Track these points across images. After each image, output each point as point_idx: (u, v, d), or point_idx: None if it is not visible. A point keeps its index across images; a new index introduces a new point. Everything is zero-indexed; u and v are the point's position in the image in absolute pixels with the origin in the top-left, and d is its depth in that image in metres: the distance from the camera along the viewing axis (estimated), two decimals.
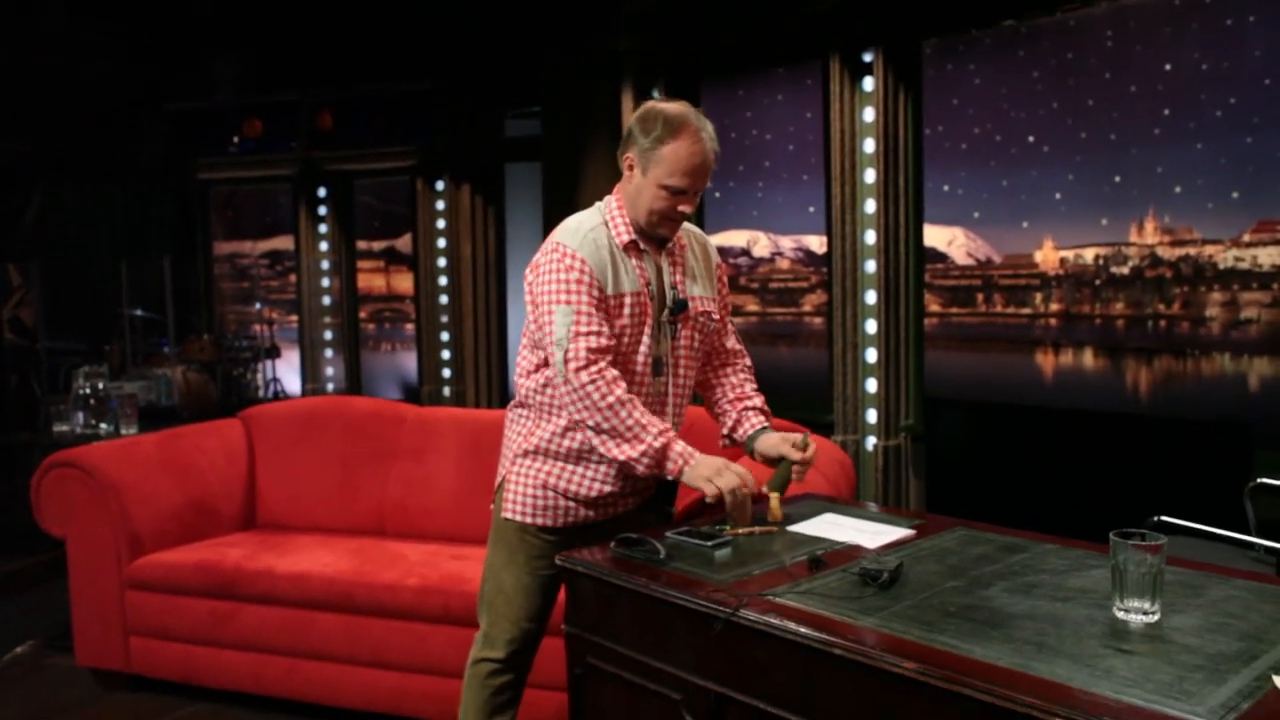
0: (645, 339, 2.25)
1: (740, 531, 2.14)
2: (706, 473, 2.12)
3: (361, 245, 7.78)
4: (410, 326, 7.62)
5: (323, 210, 7.75)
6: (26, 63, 6.34)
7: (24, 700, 3.53)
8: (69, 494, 3.37)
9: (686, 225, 2.34)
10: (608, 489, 2.28)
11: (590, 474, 2.27)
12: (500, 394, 7.21)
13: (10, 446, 4.05)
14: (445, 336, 7.29)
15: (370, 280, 7.83)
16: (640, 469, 2.16)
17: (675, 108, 2.22)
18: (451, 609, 2.94)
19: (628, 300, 2.21)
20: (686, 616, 1.75)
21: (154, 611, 3.35)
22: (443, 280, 7.24)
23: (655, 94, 5.27)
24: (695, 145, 2.16)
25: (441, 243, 7.21)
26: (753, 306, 5.39)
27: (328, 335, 7.91)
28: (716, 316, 2.38)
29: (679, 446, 2.16)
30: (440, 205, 7.18)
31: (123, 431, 4.00)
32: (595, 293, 2.18)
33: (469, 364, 7.21)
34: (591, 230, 2.23)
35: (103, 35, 6.62)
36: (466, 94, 6.83)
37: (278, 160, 7.67)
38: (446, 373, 7.30)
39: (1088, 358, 4.28)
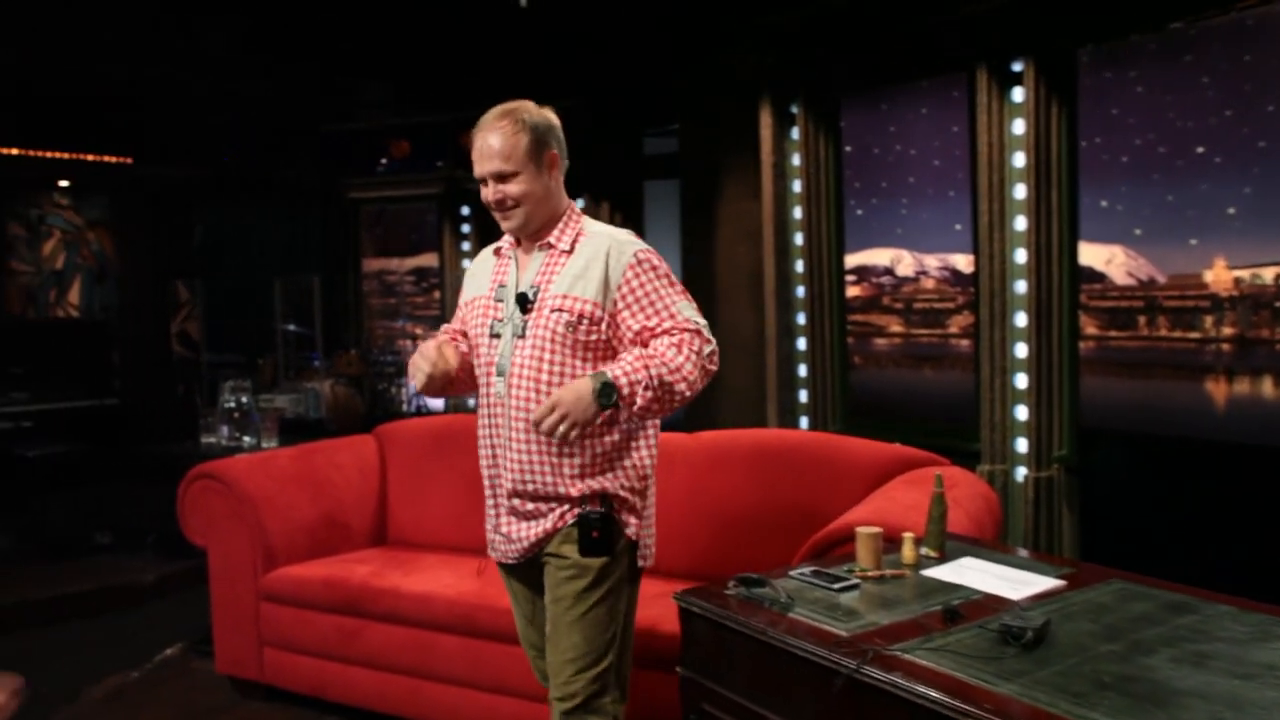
0: (484, 342, 2.35)
1: (870, 574, 2.00)
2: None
3: None
4: None
5: (466, 228, 7.89)
6: (191, 88, 6.67)
7: (168, 702, 3.65)
8: (209, 505, 3.47)
9: (605, 231, 2.34)
10: None
11: None
12: None
13: (172, 456, 4.22)
14: None
15: None
16: None
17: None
18: None
19: (477, 304, 2.39)
20: (806, 669, 1.63)
21: (286, 624, 3.40)
22: None
23: (794, 109, 5.14)
24: (478, 135, 2.29)
25: None
26: (896, 328, 5.18)
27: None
28: (582, 319, 2.25)
29: None
30: None
31: (263, 445, 4.11)
32: (461, 301, 2.47)
33: None
34: (504, 238, 2.42)
35: (260, 61, 6.91)
36: (605, 112, 6.83)
37: (423, 179, 7.86)
38: None
39: (1266, 386, 3.91)
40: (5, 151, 6.91)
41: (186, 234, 8.05)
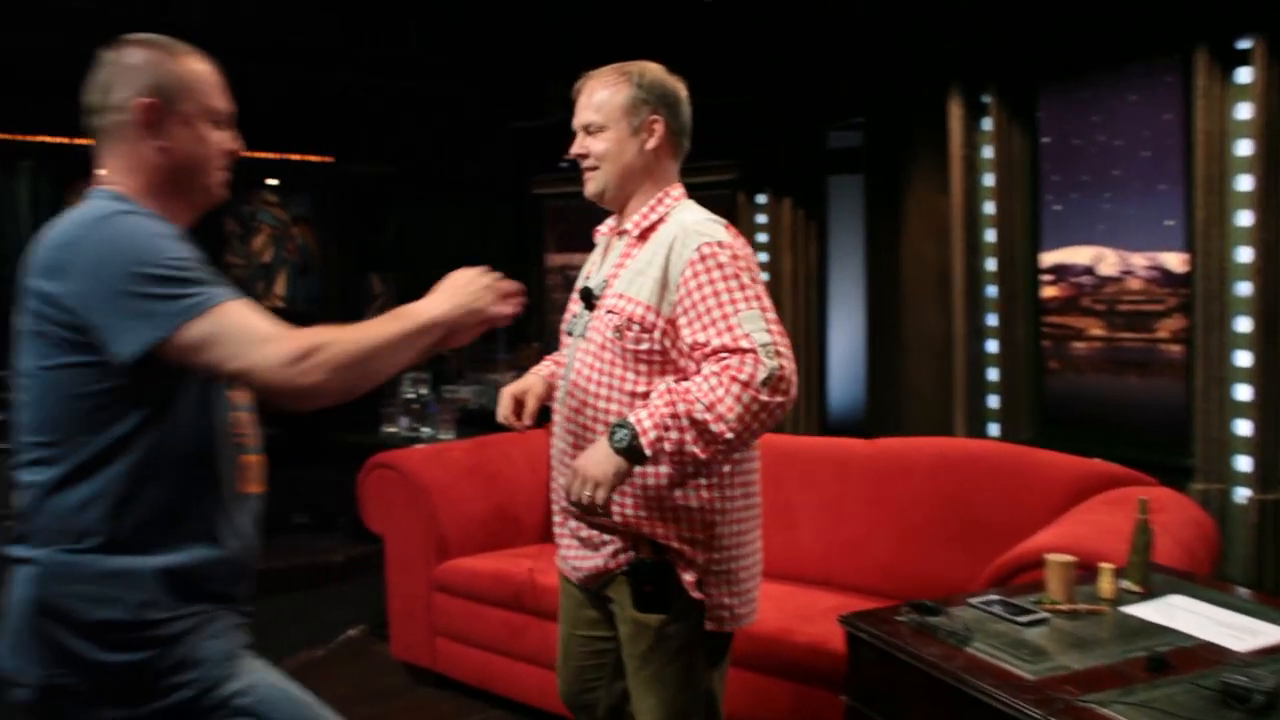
0: (563, 340, 2.13)
1: (1061, 608, 1.81)
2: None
3: None
4: None
5: None
6: (386, 87, 6.92)
7: (347, 681, 3.78)
8: (387, 494, 3.56)
9: (682, 218, 1.98)
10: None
11: None
12: (819, 415, 6.98)
13: (357, 444, 4.37)
14: None
15: None
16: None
17: None
18: (736, 650, 2.75)
19: (571, 298, 2.13)
20: (983, 714, 1.48)
21: (457, 615, 3.46)
22: None
23: (985, 98, 4.85)
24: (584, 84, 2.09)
25: (762, 256, 7.09)
26: (1097, 331, 4.82)
27: None
28: (631, 324, 1.92)
29: None
30: (761, 219, 7.06)
31: (440, 436, 4.20)
32: None
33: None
34: (606, 220, 2.18)
35: (452, 60, 7.09)
36: (788, 106, 6.68)
37: None
38: None
39: None
40: None
41: (381, 229, 8.38)
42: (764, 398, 1.77)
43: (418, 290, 1.79)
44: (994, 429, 4.92)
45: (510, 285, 1.74)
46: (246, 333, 1.49)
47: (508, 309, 1.72)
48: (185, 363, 1.49)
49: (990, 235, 4.92)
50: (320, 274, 8.40)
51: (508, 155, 8.15)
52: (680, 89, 2.08)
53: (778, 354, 1.81)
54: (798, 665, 2.71)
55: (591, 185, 2.04)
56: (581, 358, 2.01)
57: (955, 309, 5.00)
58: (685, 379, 1.88)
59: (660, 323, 1.91)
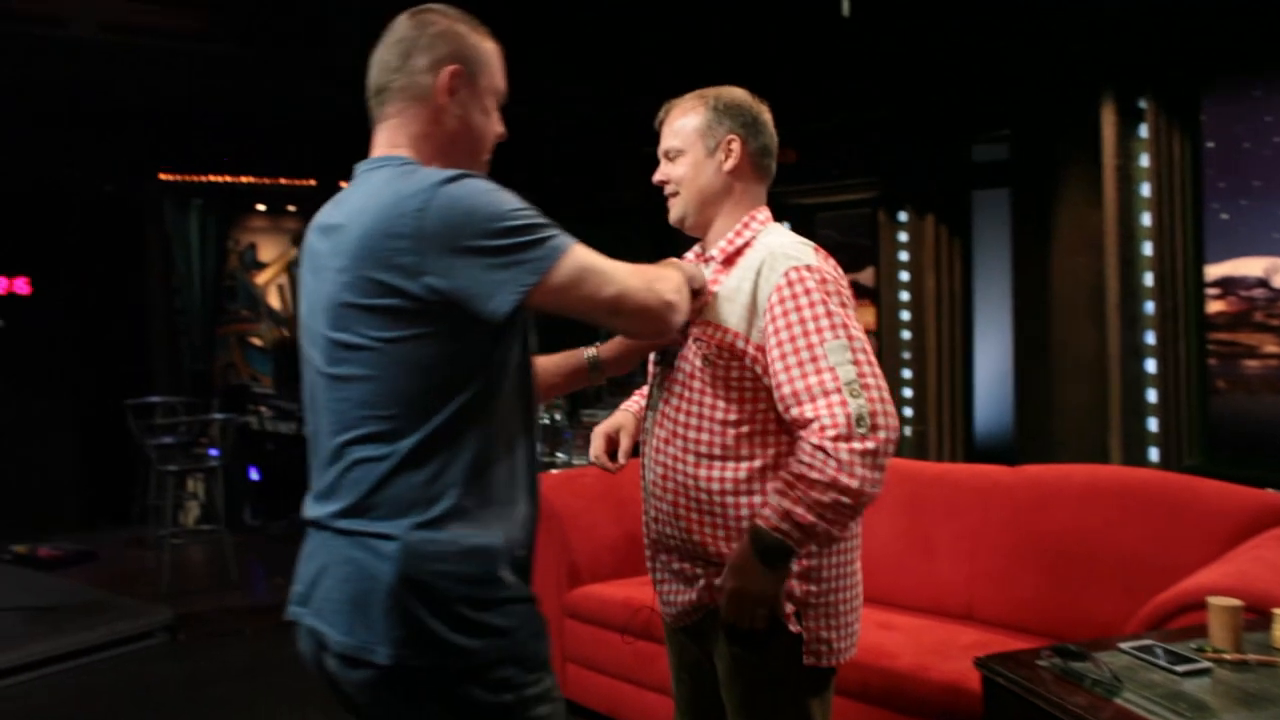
0: (650, 370, 2.06)
1: (1227, 657, 1.65)
2: None
3: None
4: None
5: None
6: (524, 114, 7.05)
7: None
8: None
9: (770, 242, 1.91)
10: None
11: None
12: (965, 438, 6.72)
13: None
14: (907, 374, 6.96)
15: None
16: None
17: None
18: (870, 686, 2.66)
19: None
20: None
21: (586, 642, 3.44)
22: (904, 315, 6.93)
23: (1141, 103, 4.58)
24: None
25: (904, 275, 6.91)
26: (1273, 348, 4.48)
27: None
28: (721, 352, 1.86)
29: None
30: (902, 237, 6.87)
31: (574, 461, 4.21)
32: None
33: (931, 404, 6.81)
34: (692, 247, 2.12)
35: (588, 85, 7.17)
36: (930, 120, 6.49)
37: None
38: (908, 412, 6.96)
39: None
40: None
41: None
42: (867, 444, 1.72)
43: (559, 316, 1.86)
44: (1154, 453, 4.62)
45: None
46: (605, 263, 1.59)
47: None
48: (556, 304, 1.54)
49: (1147, 248, 4.64)
50: None
51: (642, 179, 8.20)
52: (761, 110, 2.02)
53: (864, 388, 1.75)
54: (933, 705, 2.57)
55: (673, 211, 2.01)
56: (669, 386, 1.96)
57: (1110, 327, 4.73)
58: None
59: (750, 349, 1.86)
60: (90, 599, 5.39)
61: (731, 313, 1.87)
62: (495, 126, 1.71)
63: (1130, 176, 4.68)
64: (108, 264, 7.48)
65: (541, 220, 1.54)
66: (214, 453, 6.52)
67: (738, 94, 2.01)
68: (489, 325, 1.49)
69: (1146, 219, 4.64)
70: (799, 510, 1.73)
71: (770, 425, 1.88)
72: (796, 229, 6.49)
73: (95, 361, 7.40)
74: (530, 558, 1.60)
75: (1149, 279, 4.64)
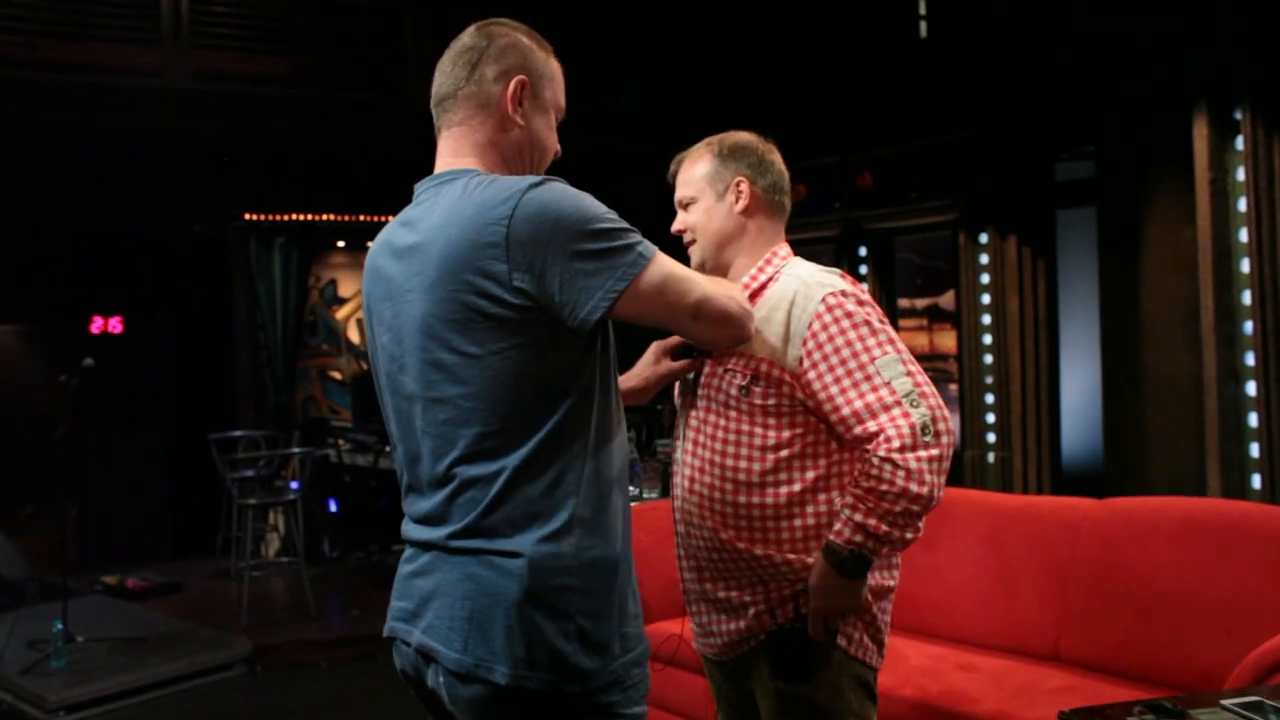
0: (677, 400, 2.09)
1: None
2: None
3: (904, 303, 7.53)
4: (954, 387, 7.19)
5: (863, 269, 7.65)
6: (599, 144, 7.05)
7: None
8: None
9: (800, 273, 1.96)
10: None
11: None
12: (1051, 465, 6.49)
13: None
14: (990, 399, 6.76)
15: (913, 339, 7.52)
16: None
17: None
18: None
19: None
20: None
21: (660, 681, 3.33)
22: (987, 339, 6.73)
23: (1237, 114, 4.38)
24: None
25: (986, 298, 6.72)
26: None
27: None
28: (757, 380, 1.88)
29: None
30: (984, 259, 6.69)
31: (645, 495, 4.14)
32: None
33: (1016, 429, 6.59)
34: None
35: (669, 115, 7.17)
36: (1011, 139, 6.32)
37: (821, 222, 7.72)
38: (991, 438, 6.75)
39: None
40: None
41: None
42: (933, 451, 1.78)
43: (636, 351, 1.99)
44: (1256, 479, 4.38)
45: None
46: (686, 270, 1.66)
47: None
48: (641, 310, 1.56)
49: (1244, 265, 4.42)
50: None
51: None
52: (767, 149, 2.06)
53: (923, 396, 1.81)
54: None
55: (693, 258, 2.06)
56: (702, 416, 1.97)
57: (1205, 348, 4.51)
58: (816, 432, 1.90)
59: (786, 376, 1.88)
60: (173, 630, 5.50)
61: (765, 342, 1.90)
62: (555, 142, 1.73)
63: (1225, 191, 4.47)
64: (196, 302, 7.71)
65: (627, 226, 1.55)
66: (294, 485, 6.62)
67: (742, 137, 2.06)
68: (581, 331, 1.49)
69: (1244, 235, 4.42)
70: (872, 522, 1.77)
71: (809, 449, 1.90)
72: (874, 254, 6.31)
73: (184, 396, 7.60)
74: (633, 568, 1.61)
75: (1247, 298, 4.41)
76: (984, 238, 6.62)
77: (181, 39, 6.13)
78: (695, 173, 2.03)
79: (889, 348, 1.85)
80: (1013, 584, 2.96)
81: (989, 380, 6.72)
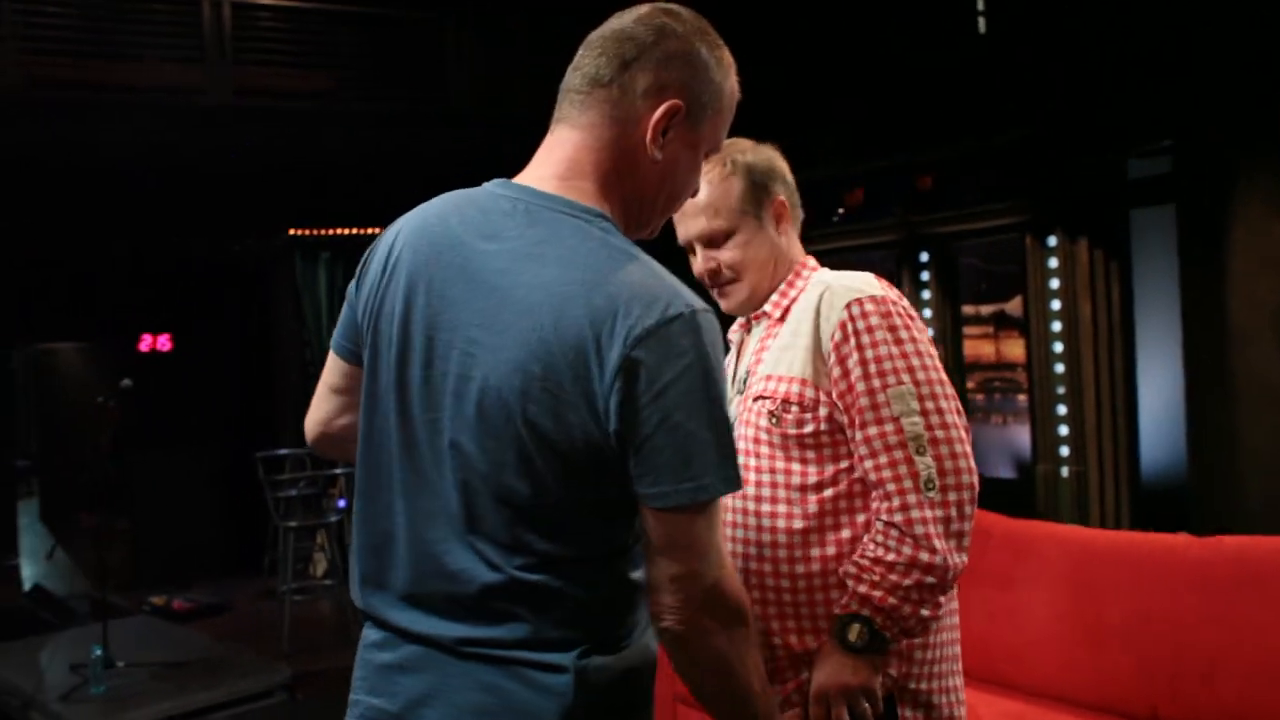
0: None
1: None
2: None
3: (968, 310, 7.22)
4: (1023, 398, 6.86)
5: (925, 275, 7.36)
6: None
7: None
8: None
9: (825, 279, 1.73)
10: None
11: None
12: (1130, 479, 6.14)
13: None
14: (1061, 410, 6.43)
15: (978, 347, 7.21)
16: None
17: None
18: None
19: None
20: None
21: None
22: (1058, 347, 6.42)
23: None
24: None
25: (1055, 304, 6.40)
26: None
27: None
28: (789, 406, 1.64)
29: None
30: (1053, 263, 6.37)
31: None
32: None
33: (1091, 441, 6.26)
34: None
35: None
36: (1079, 135, 6.01)
37: (879, 227, 7.46)
38: (1064, 450, 6.42)
39: None
40: None
41: None
42: (937, 512, 1.56)
43: None
44: None
45: None
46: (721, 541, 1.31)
47: None
48: (650, 530, 1.29)
49: None
50: None
51: None
52: (777, 155, 1.82)
53: (931, 443, 1.58)
54: None
55: (733, 300, 1.79)
56: None
57: None
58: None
59: (821, 396, 1.65)
60: (214, 655, 5.40)
61: (794, 360, 1.67)
62: (699, 179, 1.39)
63: None
64: (242, 319, 7.65)
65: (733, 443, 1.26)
66: (342, 504, 6.50)
67: (756, 147, 1.81)
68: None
69: None
70: (877, 595, 1.56)
71: (858, 487, 1.64)
72: (936, 260, 5.91)
73: (231, 414, 7.54)
74: None
75: None
76: (1052, 240, 6.31)
77: (225, 56, 6.10)
78: (727, 198, 1.74)
79: (905, 377, 1.60)
80: (1099, 633, 2.65)
81: (1060, 390, 6.41)
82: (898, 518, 1.56)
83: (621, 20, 1.32)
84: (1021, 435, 6.76)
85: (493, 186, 1.33)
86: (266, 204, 7.35)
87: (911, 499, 1.56)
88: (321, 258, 7.79)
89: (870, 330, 1.62)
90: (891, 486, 1.57)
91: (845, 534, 1.63)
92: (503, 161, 1.55)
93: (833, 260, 6.36)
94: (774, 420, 1.66)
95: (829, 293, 1.68)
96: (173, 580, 6.75)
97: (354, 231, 7.72)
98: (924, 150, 6.86)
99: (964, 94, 6.37)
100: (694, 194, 1.43)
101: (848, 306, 1.64)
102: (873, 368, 1.60)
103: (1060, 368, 6.37)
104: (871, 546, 1.58)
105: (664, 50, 1.29)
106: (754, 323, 1.82)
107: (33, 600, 6.78)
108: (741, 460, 1.65)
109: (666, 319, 1.17)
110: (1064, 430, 6.38)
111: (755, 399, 1.70)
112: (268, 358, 7.80)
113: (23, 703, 4.77)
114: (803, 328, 1.69)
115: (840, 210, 7.73)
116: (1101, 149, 5.97)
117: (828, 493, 1.63)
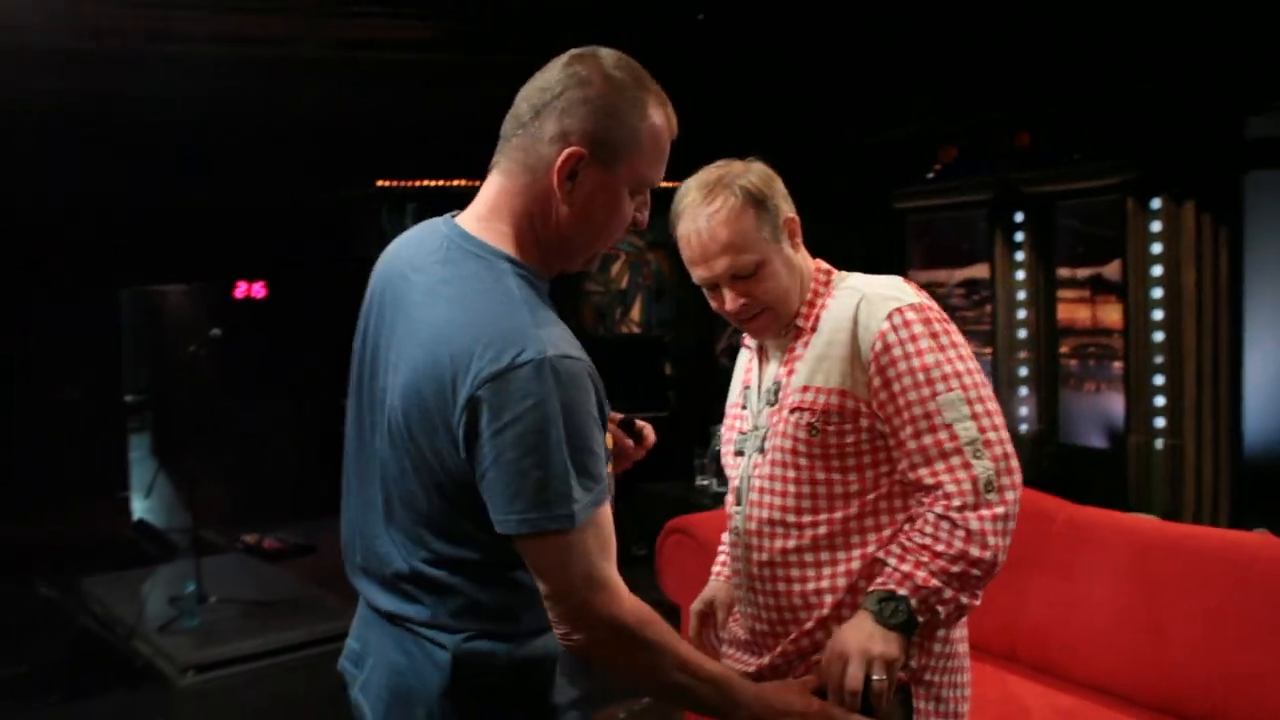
0: (729, 463, 1.83)
1: None
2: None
3: (1063, 273, 6.96)
4: (1118, 365, 6.62)
5: (1019, 236, 7.11)
6: (730, 108, 6.77)
7: None
8: (682, 563, 3.30)
9: (858, 284, 1.73)
10: None
11: None
12: (1231, 454, 5.89)
13: (662, 497, 4.18)
14: (1159, 380, 6.19)
15: (1073, 312, 6.96)
16: None
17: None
18: None
19: (729, 415, 1.90)
20: None
21: None
22: (1157, 314, 6.17)
23: None
24: (683, 226, 1.77)
25: (1157, 270, 6.14)
26: None
27: (1022, 371, 7.25)
28: (829, 416, 1.65)
29: None
30: (1156, 226, 6.09)
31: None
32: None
33: (1189, 414, 6.02)
34: None
35: (800, 78, 6.83)
36: (1192, 92, 5.68)
37: (973, 185, 7.23)
38: (1160, 422, 6.19)
39: None
40: None
41: None
42: (996, 510, 1.60)
43: None
44: None
45: None
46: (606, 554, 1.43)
47: None
48: (526, 555, 1.43)
49: None
50: (675, 298, 8.47)
51: (863, 170, 7.74)
52: (764, 165, 1.78)
53: (987, 445, 1.61)
54: None
55: (767, 331, 1.78)
56: (766, 472, 1.72)
57: None
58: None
59: (861, 407, 1.66)
60: (300, 595, 5.61)
61: (831, 370, 1.67)
62: (625, 216, 1.43)
63: None
64: (334, 269, 7.81)
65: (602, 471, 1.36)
66: None
67: (747, 165, 1.76)
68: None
69: None
70: (921, 575, 1.59)
71: (898, 487, 1.67)
72: (1032, 220, 5.69)
73: (323, 360, 7.75)
74: None
75: None
76: (1156, 203, 6.03)
77: (315, 6, 6.15)
78: (748, 232, 1.70)
79: (954, 382, 1.62)
80: (1163, 629, 2.55)
81: (1158, 360, 6.17)
82: (955, 515, 1.59)
83: (545, 68, 1.42)
84: (1115, 404, 6.52)
85: (440, 221, 1.49)
86: (355, 154, 7.47)
87: (971, 500, 1.59)
88: (408, 209, 7.89)
89: (914, 339, 1.63)
90: (952, 488, 1.60)
91: (886, 533, 1.66)
92: None
93: (926, 218, 6.15)
94: (813, 432, 1.67)
95: (865, 302, 1.68)
96: (266, 520, 6.99)
97: (440, 183, 7.79)
98: (1022, 106, 6.59)
99: (1066, 47, 6.08)
100: (640, 226, 1.47)
101: (889, 316, 1.65)
102: (921, 376, 1.62)
103: (1159, 336, 6.11)
104: (918, 535, 1.61)
105: (568, 99, 1.37)
106: (781, 331, 1.81)
107: (139, 533, 7.14)
108: (779, 471, 1.71)
109: (514, 365, 1.27)
110: (1160, 401, 6.14)
111: (792, 410, 1.70)
112: (356, 309, 7.99)
113: (127, 632, 5.05)
114: (839, 337, 1.68)
115: (936, 166, 7.53)
116: (1217, 106, 5.65)
117: (870, 496, 1.66)
